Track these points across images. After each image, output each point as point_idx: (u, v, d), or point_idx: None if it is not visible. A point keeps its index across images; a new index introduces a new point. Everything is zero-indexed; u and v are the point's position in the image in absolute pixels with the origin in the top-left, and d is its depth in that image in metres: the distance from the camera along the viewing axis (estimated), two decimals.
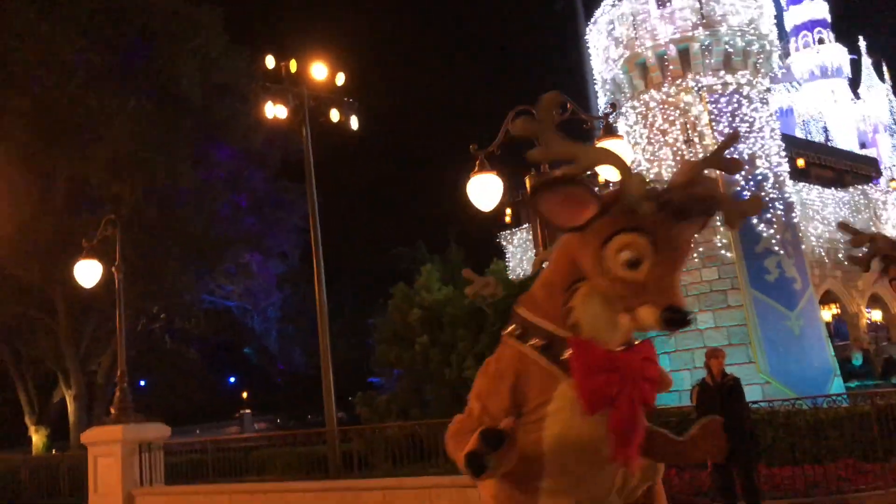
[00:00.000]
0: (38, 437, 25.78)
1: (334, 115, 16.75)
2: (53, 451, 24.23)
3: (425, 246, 24.29)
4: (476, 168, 9.76)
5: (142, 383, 33.38)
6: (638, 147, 20.80)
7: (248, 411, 40.38)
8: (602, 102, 22.57)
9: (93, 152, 22.59)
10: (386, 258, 30.47)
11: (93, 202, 23.40)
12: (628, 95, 21.34)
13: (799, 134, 38.20)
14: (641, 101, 21.06)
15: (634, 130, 21.23)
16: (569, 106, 10.16)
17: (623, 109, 21.52)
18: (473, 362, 15.41)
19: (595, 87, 23.03)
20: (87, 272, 14.25)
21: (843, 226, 5.00)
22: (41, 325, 24.49)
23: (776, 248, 19.80)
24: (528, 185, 10.16)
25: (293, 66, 16.46)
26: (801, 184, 25.94)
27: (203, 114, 24.98)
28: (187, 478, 13.37)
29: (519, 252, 26.08)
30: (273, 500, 11.74)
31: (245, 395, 45.17)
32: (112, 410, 13.70)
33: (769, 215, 19.92)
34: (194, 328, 28.17)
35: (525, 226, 25.19)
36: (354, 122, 17.03)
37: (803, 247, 21.99)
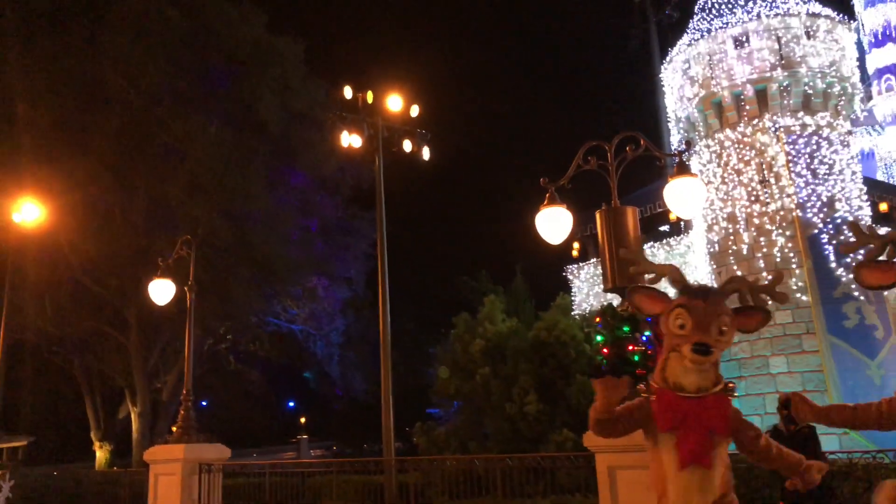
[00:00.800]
0: (101, 453, 26.38)
1: (407, 145, 16.95)
2: (115, 468, 24.75)
3: (489, 276, 24.19)
4: (546, 201, 9.69)
5: (203, 403, 33.94)
6: (711, 186, 20.39)
7: (304, 437, 40.56)
8: (675, 140, 22.28)
9: (173, 174, 23.38)
10: (450, 287, 30.44)
11: (170, 222, 24.12)
12: (703, 134, 20.98)
13: (881, 178, 36.89)
14: (716, 140, 20.68)
15: (708, 169, 20.82)
16: (642, 143, 10.04)
17: (697, 148, 21.18)
18: (535, 397, 15.19)
19: (668, 124, 22.75)
20: (161, 291, 14.58)
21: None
22: (113, 341, 25.21)
23: (856, 294, 19.03)
24: (598, 219, 10.03)
25: (370, 97, 16.76)
26: (885, 228, 24.90)
27: (279, 140, 25.63)
28: (244, 500, 13.40)
29: (585, 287, 25.72)
30: None
31: (303, 420, 45.44)
32: (174, 429, 13.89)
33: (849, 260, 19.20)
34: (259, 350, 28.58)
35: (592, 260, 24.87)
36: (426, 153, 17.18)
37: (885, 293, 21.08)
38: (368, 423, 27.59)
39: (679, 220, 21.17)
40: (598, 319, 9.32)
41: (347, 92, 16.85)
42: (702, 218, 20.79)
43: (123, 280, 23.41)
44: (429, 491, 13.05)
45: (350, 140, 16.43)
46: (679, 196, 9.47)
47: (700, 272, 21.38)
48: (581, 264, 26.19)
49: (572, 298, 23.54)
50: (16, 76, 24.20)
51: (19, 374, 27.77)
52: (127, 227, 24.06)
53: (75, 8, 25.15)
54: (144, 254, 22.11)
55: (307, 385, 38.85)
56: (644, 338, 9.16)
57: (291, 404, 46.25)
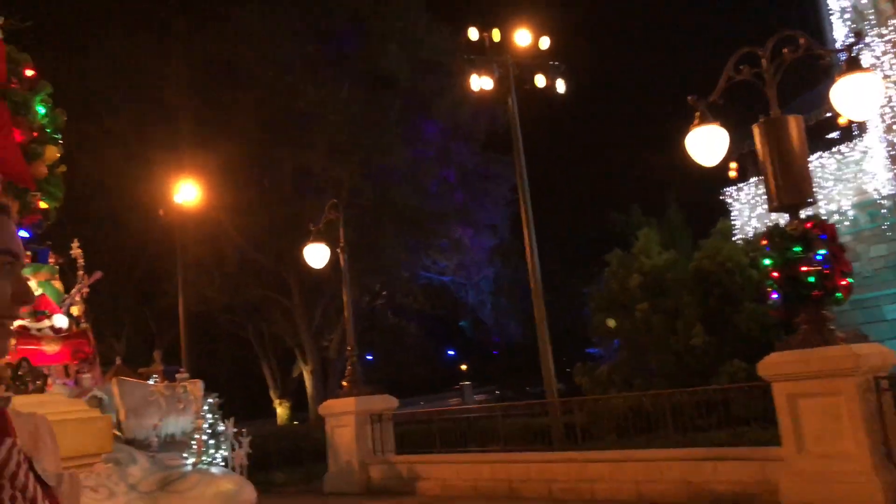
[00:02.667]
0: (281, 409, 28.11)
1: (540, 80, 16.35)
2: (295, 423, 26.26)
3: (640, 209, 23.23)
4: (696, 120, 9.00)
5: (369, 357, 35.29)
6: (889, 80, 18.27)
7: (467, 383, 41.39)
8: (840, 35, 20.06)
9: (312, 140, 23.99)
10: (599, 225, 29.62)
11: (316, 188, 24.87)
12: (874, 22, 18.77)
13: None
14: (891, 27, 18.43)
15: (883, 62, 18.65)
16: (801, 42, 9.00)
17: (868, 39, 18.96)
18: (701, 329, 14.48)
19: (831, 17, 20.53)
20: (315, 254, 15.06)
21: None
22: (279, 305, 26.54)
23: None
24: (757, 133, 9.16)
25: (496, 35, 16.24)
26: None
27: (411, 93, 25.64)
28: (415, 447, 13.74)
29: (747, 209, 24.05)
30: (498, 471, 11.72)
31: (464, 367, 46.38)
32: (344, 384, 14.41)
33: None
34: (413, 303, 29.19)
35: (753, 180, 23.19)
36: (561, 86, 16.50)
37: None
38: (528, 366, 27.60)
39: (850, 123, 19.13)
40: (764, 242, 8.60)
41: (473, 33, 16.41)
42: (879, 118, 18.71)
43: (281, 247, 24.49)
44: (595, 430, 12.83)
45: (480, 83, 16.04)
46: (850, 96, 8.47)
47: (879, 179, 19.40)
48: (740, 185, 24.50)
49: (733, 223, 22.12)
50: (160, 64, 25.56)
51: (200, 342, 29.98)
52: (277, 196, 25.05)
53: None
54: (297, 220, 22.92)
55: (464, 333, 39.48)
56: (819, 257, 8.36)
57: (451, 353, 47.30)
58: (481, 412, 15.69)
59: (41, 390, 3.93)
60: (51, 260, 13.45)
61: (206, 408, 12.02)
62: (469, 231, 27.92)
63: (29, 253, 13.13)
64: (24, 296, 1.28)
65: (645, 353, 16.40)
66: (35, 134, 4.41)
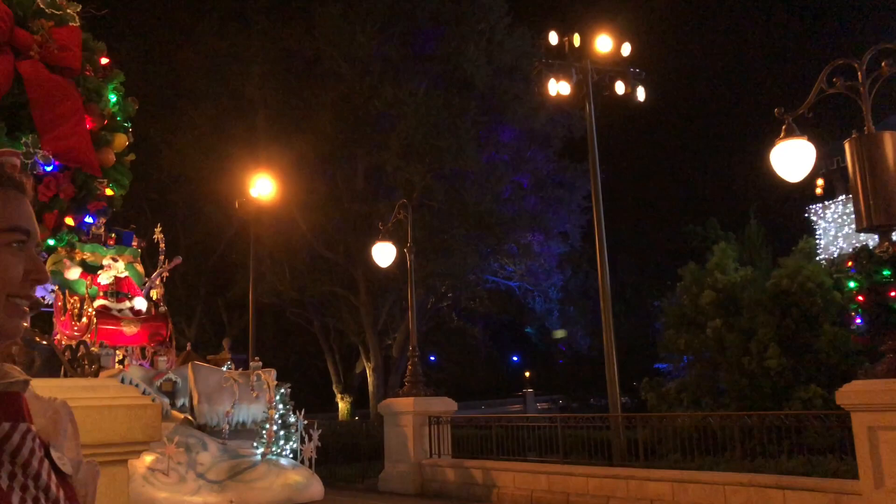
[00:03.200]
0: (343, 404, 28.39)
1: (619, 87, 16.00)
2: (355, 418, 26.46)
3: (719, 223, 22.50)
4: (783, 133, 8.61)
5: (432, 358, 35.30)
6: None
7: (530, 390, 41.01)
8: None
9: (387, 140, 24.15)
10: (674, 237, 28.90)
11: (388, 187, 25.03)
12: None
13: None
14: None
15: None
16: None
17: None
18: (777, 350, 13.89)
19: None
20: (383, 253, 15.16)
21: None
22: (345, 301, 26.82)
23: None
24: (848, 149, 8.69)
25: (576, 40, 15.98)
26: None
27: (487, 96, 25.55)
28: (472, 452, 13.62)
29: (833, 228, 23.02)
30: (555, 482, 11.49)
31: (528, 374, 46.00)
32: (405, 383, 14.40)
33: None
34: (479, 307, 29.08)
35: (841, 198, 22.22)
36: (641, 94, 16.12)
37: None
38: (593, 377, 27.11)
39: None
40: (849, 263, 8.14)
41: (552, 37, 16.18)
42: None
43: (350, 244, 24.74)
44: (659, 448, 12.42)
45: (558, 88, 15.79)
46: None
47: None
48: (827, 203, 23.46)
49: (817, 242, 21.20)
50: (243, 60, 26.20)
51: (268, 333, 30.57)
52: (349, 194, 25.32)
53: None
54: (367, 218, 23.14)
55: (530, 340, 39.12)
56: None
57: (515, 359, 46.97)
58: (542, 421, 15.42)
59: (96, 374, 3.95)
60: (133, 243, 13.81)
61: (278, 398, 12.02)
62: (539, 237, 27.63)
63: (113, 235, 13.46)
64: (38, 274, 1.22)
65: (715, 372, 15.84)
66: (105, 122, 4.45)
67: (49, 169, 4.16)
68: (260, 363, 12.83)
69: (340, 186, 25.52)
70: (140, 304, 13.01)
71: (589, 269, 28.32)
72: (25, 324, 1.24)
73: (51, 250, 4.85)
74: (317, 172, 25.27)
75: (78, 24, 4.49)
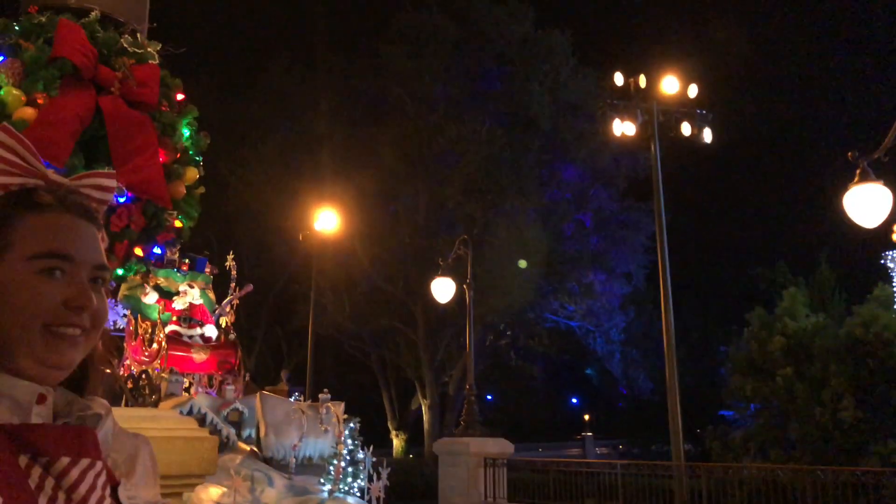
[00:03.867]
0: (398, 441, 28.25)
1: (685, 128, 15.82)
2: (410, 456, 26.26)
3: (788, 267, 21.82)
4: (857, 178, 8.34)
5: (489, 397, 34.91)
6: None
7: (589, 434, 40.16)
8: None
9: (449, 176, 24.32)
10: (741, 280, 28.14)
11: (449, 222, 25.12)
12: None
13: None
14: None
15: None
16: None
17: None
18: (852, 402, 13.29)
19: None
20: (442, 289, 15.14)
21: None
22: (403, 336, 26.85)
23: None
24: None
25: (642, 81, 15.91)
26: None
27: (551, 135, 25.55)
28: (529, 496, 13.32)
29: None
30: None
31: (587, 417, 45.13)
32: (461, 422, 14.23)
33: None
34: (538, 346, 28.72)
35: None
36: (707, 135, 15.89)
37: None
38: (655, 423, 26.36)
39: None
40: None
41: (618, 78, 16.15)
42: None
43: (410, 279, 24.84)
44: (724, 500, 11.95)
45: (622, 128, 15.69)
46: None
47: None
48: None
49: (894, 289, 20.39)
50: (312, 96, 26.91)
51: (326, 366, 30.75)
52: (410, 229, 25.50)
53: (361, 28, 27.31)
54: (427, 253, 23.22)
55: (590, 382, 38.39)
56: None
57: (575, 401, 46.15)
58: (601, 467, 15.04)
59: (156, 404, 3.98)
60: (206, 270, 13.89)
61: (347, 432, 11.63)
62: (602, 276, 27.27)
63: (187, 261, 13.58)
64: (78, 301, 1.16)
65: (785, 423, 15.24)
66: (178, 155, 4.57)
67: (122, 200, 4.26)
68: (329, 395, 12.29)
69: (402, 221, 25.74)
70: (211, 331, 12.99)
71: (653, 310, 27.73)
72: (77, 353, 1.21)
73: (120, 279, 4.95)
74: (379, 207, 25.56)
75: (157, 61, 4.64)
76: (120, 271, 4.56)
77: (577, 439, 40.29)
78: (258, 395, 12.32)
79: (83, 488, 1.09)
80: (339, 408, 11.79)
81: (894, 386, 13.55)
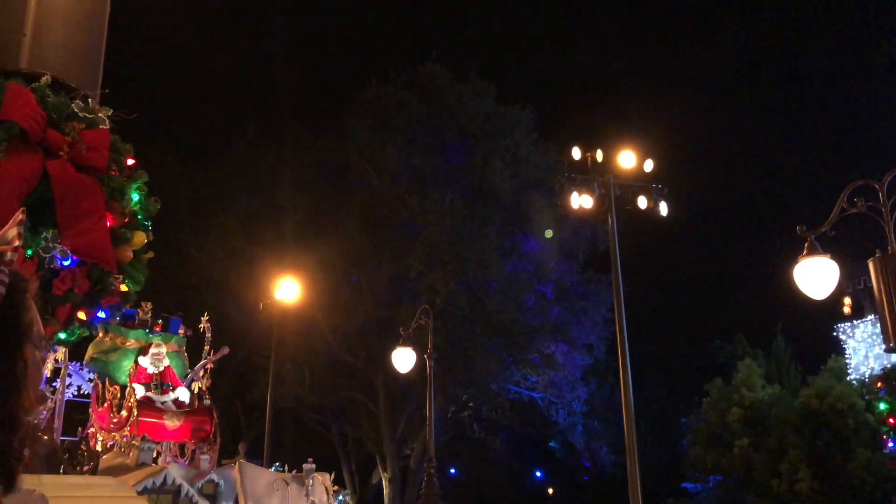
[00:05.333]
0: None
1: (642, 201, 16.17)
2: None
3: (745, 339, 22.14)
4: (805, 251, 8.59)
5: (452, 471, 34.25)
6: None
7: None
8: None
9: (412, 247, 24.45)
10: (701, 352, 28.39)
11: (411, 293, 25.13)
12: None
13: None
14: None
15: None
16: None
17: None
18: (808, 473, 13.32)
19: None
20: (403, 359, 15.02)
21: None
22: (364, 408, 26.44)
23: None
24: (872, 269, 8.62)
25: (599, 155, 16.31)
26: None
27: (512, 207, 25.95)
28: None
29: (863, 347, 22.47)
30: None
31: (550, 490, 44.42)
32: (420, 496, 13.93)
33: None
34: (501, 418, 28.45)
35: (870, 318, 21.84)
36: (664, 209, 16.24)
37: None
38: (619, 496, 26.03)
39: None
40: (879, 384, 7.89)
41: (575, 153, 16.51)
42: None
43: (371, 350, 24.64)
44: None
45: (580, 201, 15.98)
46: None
47: None
48: (855, 322, 23.01)
49: (846, 361, 20.71)
50: (279, 169, 27.11)
51: (285, 439, 30.01)
52: (373, 299, 25.42)
53: (327, 103, 27.80)
54: (389, 324, 23.09)
55: (553, 455, 37.94)
56: None
57: (539, 474, 45.46)
58: None
59: (93, 472, 3.89)
60: (180, 331, 13.27)
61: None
62: (563, 347, 27.29)
63: (160, 321, 13.01)
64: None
65: (744, 494, 15.20)
66: (126, 219, 4.58)
67: (66, 263, 4.24)
68: (313, 465, 11.53)
69: (364, 291, 25.68)
70: (184, 395, 12.06)
71: (614, 382, 27.76)
72: None
73: (64, 344, 4.88)
74: (342, 277, 25.51)
75: (108, 126, 4.69)
76: (62, 335, 4.50)
77: None
78: (237, 464, 11.38)
79: None
80: (326, 479, 11.18)
81: (849, 457, 13.64)
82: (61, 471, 4.00)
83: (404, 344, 15.04)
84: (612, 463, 31.11)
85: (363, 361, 25.34)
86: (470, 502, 21.45)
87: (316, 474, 11.03)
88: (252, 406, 28.34)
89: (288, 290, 21.66)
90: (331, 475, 11.58)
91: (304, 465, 11.52)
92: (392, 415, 25.71)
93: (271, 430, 21.29)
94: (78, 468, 3.83)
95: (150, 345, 12.10)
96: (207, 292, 27.82)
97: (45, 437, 4.01)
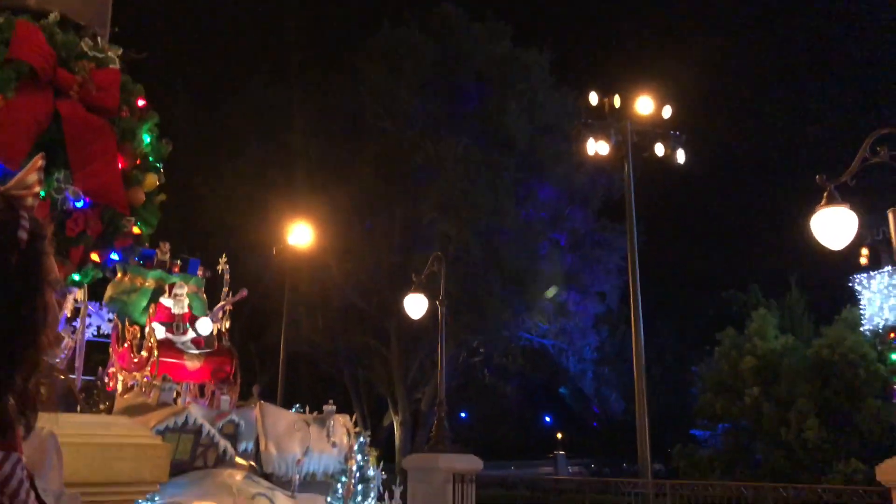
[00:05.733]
0: (370, 458, 28.04)
1: (659, 149, 16.00)
2: (382, 472, 26.02)
3: (759, 289, 22.05)
4: (824, 201, 8.47)
5: (462, 415, 34.79)
6: None
7: (561, 452, 40.08)
8: None
9: (425, 193, 24.36)
10: (714, 302, 28.35)
11: (424, 240, 25.13)
12: None
13: None
14: None
15: None
16: None
17: None
18: (816, 422, 13.41)
19: None
20: (415, 305, 15.05)
21: None
22: (377, 353, 26.72)
23: None
24: (891, 220, 8.51)
25: (616, 101, 16.11)
26: None
27: (527, 154, 25.71)
28: None
29: (878, 298, 22.36)
30: None
31: (559, 435, 45.08)
32: (431, 438, 14.14)
33: None
34: (511, 364, 28.72)
35: (887, 268, 21.70)
36: (681, 156, 16.10)
37: None
38: (627, 442, 26.37)
39: None
40: (893, 335, 7.85)
41: (592, 98, 16.34)
42: None
43: (384, 296, 24.77)
44: None
45: (597, 147, 15.84)
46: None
47: None
48: (872, 273, 22.85)
49: (861, 312, 20.63)
50: (291, 113, 26.90)
51: (299, 382, 30.49)
52: (385, 245, 25.45)
53: (339, 46, 27.40)
54: (402, 270, 23.15)
55: (563, 401, 38.40)
56: None
57: (548, 419, 46.10)
58: (570, 484, 15.02)
59: (109, 411, 3.94)
60: (199, 272, 13.12)
61: (356, 447, 10.74)
62: (576, 296, 27.35)
63: (178, 262, 12.93)
64: None
65: (752, 442, 15.35)
66: (138, 161, 4.53)
67: (79, 205, 4.22)
68: (333, 407, 11.30)
69: (377, 237, 25.70)
70: (204, 327, 11.68)
71: (626, 330, 27.85)
72: None
73: (77, 285, 4.90)
74: (354, 223, 25.52)
75: (118, 66, 4.62)
76: (76, 276, 4.51)
77: (550, 458, 40.21)
78: (258, 405, 11.20)
79: (14, 482, 1.13)
80: (348, 420, 10.99)
81: (858, 407, 13.71)
82: (78, 409, 4.05)
83: (417, 290, 15.07)
84: (621, 410, 31.47)
85: (376, 307, 25.51)
86: (480, 445, 21.74)
87: (336, 416, 10.87)
88: (266, 350, 28.71)
89: (301, 235, 21.73)
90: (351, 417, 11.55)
91: (324, 407, 11.33)
92: (404, 359, 25.99)
93: (284, 374, 21.62)
94: (94, 408, 3.90)
95: (171, 285, 11.78)
96: (220, 236, 27.94)
97: (62, 377, 4.05)
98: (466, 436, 27.77)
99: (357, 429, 10.88)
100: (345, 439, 10.69)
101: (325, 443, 10.68)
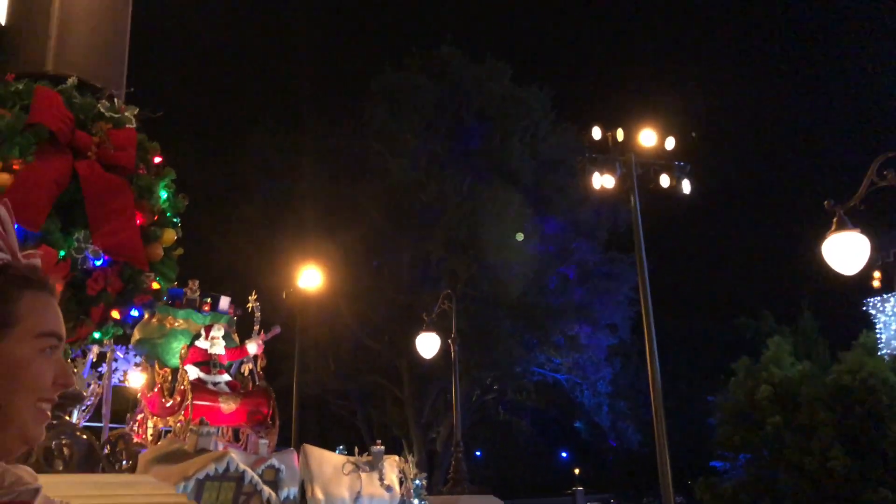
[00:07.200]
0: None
1: (664, 180, 16.00)
2: None
3: (772, 315, 21.93)
4: (834, 226, 8.46)
5: (477, 454, 34.40)
6: None
7: (580, 488, 39.49)
8: None
9: (432, 232, 24.45)
10: (727, 330, 28.20)
11: (433, 278, 25.17)
12: None
13: None
14: None
15: None
16: None
17: None
18: (841, 450, 13.22)
19: None
20: (427, 344, 15.04)
21: None
22: (389, 393, 26.58)
23: None
24: None
25: (619, 134, 16.14)
26: None
27: (531, 189, 25.84)
28: None
29: (894, 322, 22.22)
30: None
31: (577, 471, 44.52)
32: (449, 480, 14.00)
33: None
34: (525, 400, 28.49)
35: None
36: (686, 186, 16.07)
37: None
38: (646, 475, 26.09)
39: None
40: None
41: (596, 132, 16.37)
42: None
43: (394, 335, 24.73)
44: None
45: (602, 181, 15.84)
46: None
47: None
48: (886, 296, 22.70)
49: (878, 336, 20.45)
50: (298, 158, 27.17)
51: (312, 425, 30.27)
52: (394, 284, 25.49)
53: (343, 91, 27.78)
54: (411, 309, 23.15)
55: (579, 435, 37.98)
56: None
57: (564, 455, 45.56)
58: None
59: (132, 470, 3.91)
60: (229, 311, 12.64)
61: (412, 490, 10.14)
62: (587, 329, 27.24)
63: (208, 300, 12.52)
64: (64, 378, 1.24)
65: (775, 472, 15.11)
66: (155, 217, 4.58)
67: (98, 263, 4.25)
68: (382, 448, 10.63)
69: (386, 277, 25.75)
70: (253, 348, 11.24)
71: (639, 362, 27.70)
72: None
73: (96, 343, 4.90)
74: (363, 263, 25.59)
75: (134, 125, 4.68)
76: (97, 335, 4.52)
77: (568, 494, 39.61)
78: (302, 447, 10.42)
79: None
80: (400, 461, 10.34)
81: (882, 433, 13.51)
82: (101, 468, 4.01)
83: (428, 329, 15.04)
84: (638, 442, 31.09)
85: (387, 347, 25.46)
86: (497, 483, 21.55)
87: (386, 457, 10.29)
88: (278, 393, 28.45)
89: (310, 277, 21.74)
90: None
91: (371, 448, 10.76)
92: (417, 399, 25.83)
93: (298, 417, 21.46)
94: (118, 464, 3.86)
95: (208, 327, 10.97)
96: (231, 283, 28.00)
97: (84, 435, 4.03)
98: (483, 474, 27.49)
99: (414, 471, 10.33)
100: (396, 484, 9.94)
101: (377, 486, 9.90)
